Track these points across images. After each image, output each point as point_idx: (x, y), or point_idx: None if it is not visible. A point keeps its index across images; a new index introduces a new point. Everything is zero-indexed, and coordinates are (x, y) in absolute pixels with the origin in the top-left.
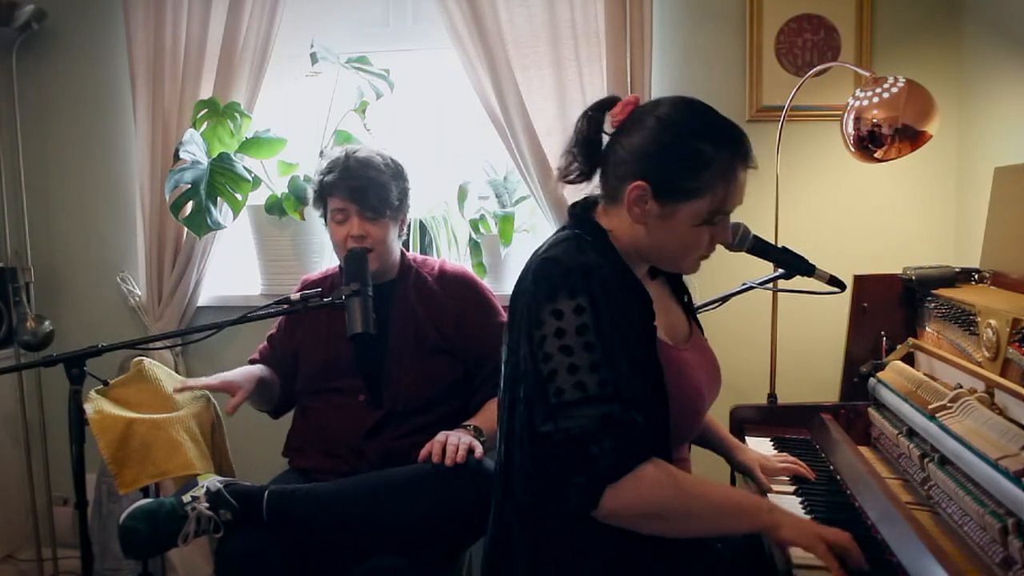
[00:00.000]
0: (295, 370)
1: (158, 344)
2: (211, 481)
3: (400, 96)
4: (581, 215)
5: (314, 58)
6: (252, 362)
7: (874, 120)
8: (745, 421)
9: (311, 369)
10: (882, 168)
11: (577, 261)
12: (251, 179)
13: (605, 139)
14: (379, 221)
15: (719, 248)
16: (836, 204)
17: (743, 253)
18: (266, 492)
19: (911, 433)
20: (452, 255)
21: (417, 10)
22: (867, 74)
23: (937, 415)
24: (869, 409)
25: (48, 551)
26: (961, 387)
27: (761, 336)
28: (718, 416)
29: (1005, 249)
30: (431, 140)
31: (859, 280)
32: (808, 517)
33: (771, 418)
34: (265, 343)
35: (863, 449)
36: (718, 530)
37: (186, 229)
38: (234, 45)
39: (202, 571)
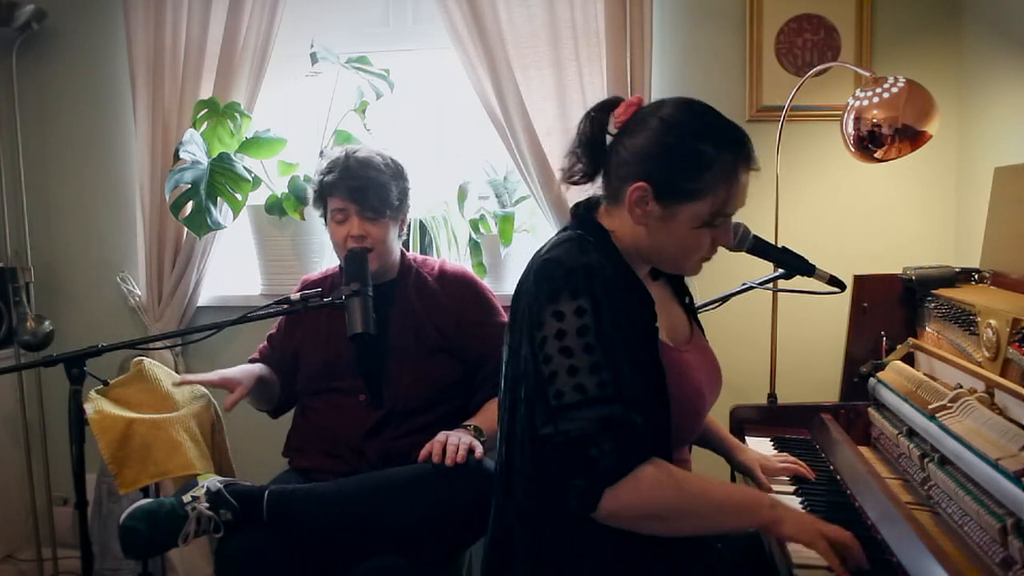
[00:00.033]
0: (295, 370)
1: (158, 344)
2: (211, 481)
3: (400, 96)
4: (584, 215)
5: (314, 58)
6: (252, 361)
7: (874, 120)
8: (745, 421)
9: (311, 369)
10: (882, 168)
11: (579, 262)
12: (251, 179)
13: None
14: (379, 221)
15: (719, 248)
16: (836, 204)
17: (743, 253)
18: (266, 492)
19: (911, 433)
20: (452, 255)
21: (417, 10)
22: (867, 74)
23: (937, 415)
24: (869, 409)
25: (48, 551)
26: (961, 387)
27: (761, 336)
28: (718, 416)
29: (1005, 249)
30: (431, 140)
31: (859, 280)
32: None
33: (771, 418)
34: (265, 343)
35: (863, 449)
36: (719, 528)
37: (186, 229)
38: (234, 45)
39: (202, 571)
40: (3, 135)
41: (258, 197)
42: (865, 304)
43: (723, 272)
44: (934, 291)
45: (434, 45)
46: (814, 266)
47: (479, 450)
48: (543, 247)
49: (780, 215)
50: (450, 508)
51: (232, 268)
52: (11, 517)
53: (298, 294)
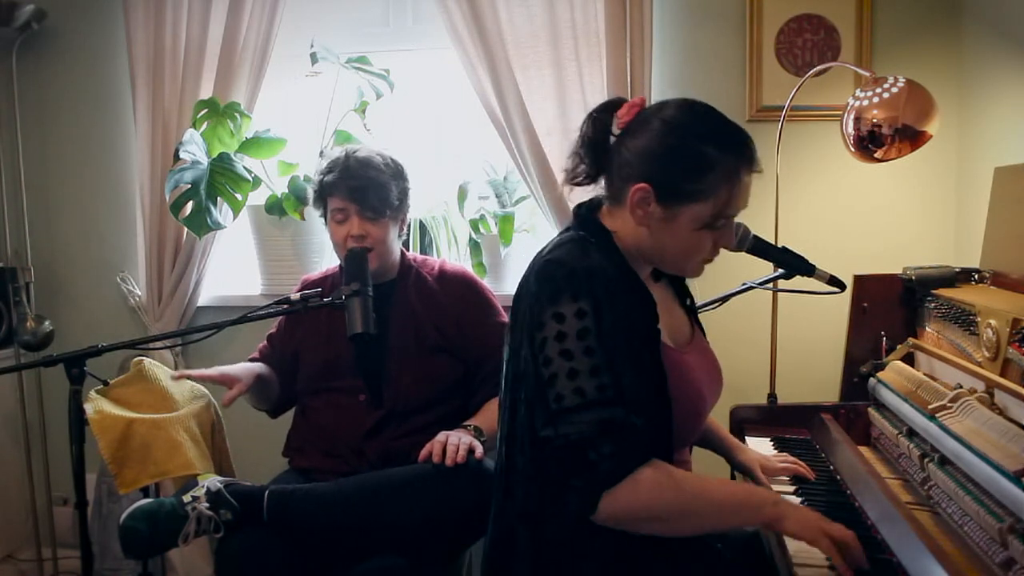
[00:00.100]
0: (295, 370)
1: (158, 344)
2: (211, 481)
3: (400, 96)
4: (586, 216)
5: (314, 58)
6: (252, 361)
7: (874, 120)
8: (745, 421)
9: (311, 369)
10: (882, 168)
11: (581, 263)
12: (251, 179)
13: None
14: (379, 221)
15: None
16: (836, 204)
17: (743, 253)
18: (266, 492)
19: (911, 433)
20: (452, 255)
21: (417, 10)
22: (867, 74)
23: (937, 415)
24: (869, 409)
25: (48, 551)
26: (961, 387)
27: (761, 336)
28: (718, 416)
29: (1005, 249)
30: (431, 140)
31: (859, 280)
32: None
33: (771, 418)
34: (265, 342)
35: (863, 449)
36: (721, 527)
37: (186, 229)
38: (234, 45)
39: (202, 571)
40: (3, 135)
41: (258, 197)
42: (865, 304)
43: (723, 272)
44: (934, 291)
45: (434, 45)
46: (814, 266)
47: (479, 450)
48: (545, 248)
49: (780, 215)
50: (450, 508)
51: (232, 268)
52: (11, 517)
53: (298, 294)
